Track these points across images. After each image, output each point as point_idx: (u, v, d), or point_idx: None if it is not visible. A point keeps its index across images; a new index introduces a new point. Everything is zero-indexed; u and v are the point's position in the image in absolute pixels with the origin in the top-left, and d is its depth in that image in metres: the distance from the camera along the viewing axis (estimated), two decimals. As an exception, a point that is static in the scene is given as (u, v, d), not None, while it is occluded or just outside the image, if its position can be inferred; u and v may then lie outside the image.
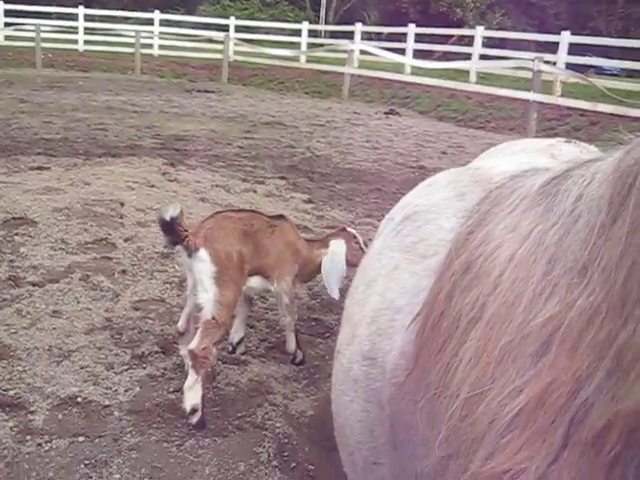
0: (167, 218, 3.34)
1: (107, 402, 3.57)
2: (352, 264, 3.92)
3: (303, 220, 6.91)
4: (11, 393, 3.54)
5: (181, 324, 3.66)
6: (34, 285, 4.81)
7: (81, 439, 3.28)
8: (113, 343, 4.14)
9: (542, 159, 2.54)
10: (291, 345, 4.08)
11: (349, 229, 4.33)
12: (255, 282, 3.81)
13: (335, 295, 3.99)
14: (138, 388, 3.70)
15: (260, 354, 4.19)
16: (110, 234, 5.88)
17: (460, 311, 1.80)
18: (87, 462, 3.13)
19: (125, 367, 3.89)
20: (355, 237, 4.19)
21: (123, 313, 4.53)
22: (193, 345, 3.39)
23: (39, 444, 3.19)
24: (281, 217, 4.06)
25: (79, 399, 3.56)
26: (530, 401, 1.47)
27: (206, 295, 3.43)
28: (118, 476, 3.08)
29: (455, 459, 1.61)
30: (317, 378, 3.97)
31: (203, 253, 3.45)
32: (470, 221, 2.05)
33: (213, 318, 3.41)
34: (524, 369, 1.53)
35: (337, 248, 4.06)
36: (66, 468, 3.06)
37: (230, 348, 4.11)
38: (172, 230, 3.40)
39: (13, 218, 6.02)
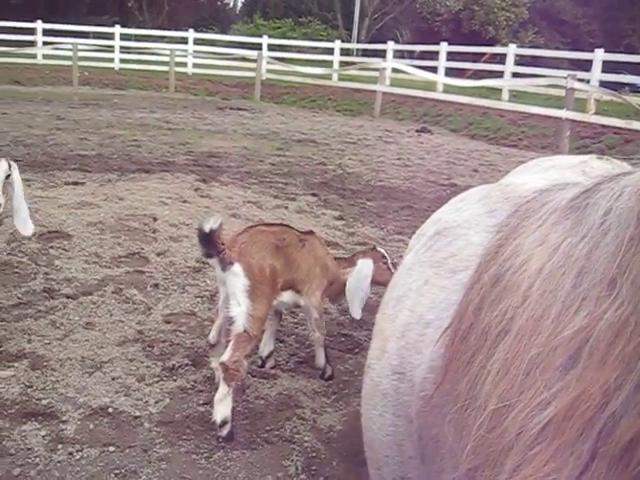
0: (206, 230, 3.38)
1: (138, 413, 3.61)
2: (380, 283, 4.04)
3: (334, 237, 6.94)
4: (44, 402, 3.59)
5: (212, 336, 3.68)
6: (68, 297, 4.89)
7: (111, 449, 3.31)
8: (144, 355, 4.19)
9: (573, 176, 2.53)
10: (320, 360, 4.10)
11: (378, 248, 4.36)
12: (287, 296, 3.84)
13: (356, 315, 4.05)
14: (168, 400, 3.74)
15: (289, 368, 4.20)
16: (143, 248, 5.96)
17: (489, 324, 1.81)
18: (117, 472, 3.16)
19: (156, 379, 3.93)
20: (384, 257, 4.21)
21: (155, 326, 4.58)
22: (225, 358, 3.41)
23: (70, 453, 3.23)
24: (311, 233, 4.10)
25: (110, 409, 3.60)
26: (558, 413, 1.47)
27: (239, 308, 3.47)
28: (147, 486, 3.11)
29: (482, 471, 1.61)
30: (346, 393, 3.97)
31: (237, 267, 3.49)
32: (500, 235, 2.06)
33: (245, 331, 3.44)
34: (552, 381, 1.52)
35: (363, 267, 4.07)
36: (96, 477, 3.10)
37: (260, 362, 4.14)
38: (210, 242, 3.44)
39: (48, 232, 6.13)
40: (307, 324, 4.24)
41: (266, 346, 4.12)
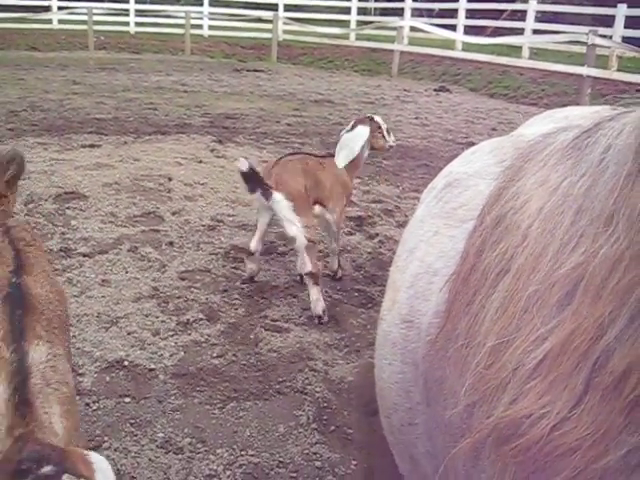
0: (245, 169, 4.01)
1: (153, 366, 3.67)
2: (374, 149, 4.96)
3: (349, 194, 6.92)
4: (61, 356, 3.66)
5: (254, 245, 4.42)
6: (84, 256, 4.95)
7: (127, 400, 3.39)
8: (159, 311, 4.25)
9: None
10: (334, 265, 4.93)
11: (376, 118, 5.02)
12: (317, 210, 4.51)
13: (340, 163, 4.64)
14: (182, 353, 3.80)
15: (302, 322, 4.24)
16: (158, 207, 6.00)
17: (489, 264, 1.81)
18: (132, 422, 3.23)
19: (170, 333, 3.99)
20: (380, 127, 4.95)
21: (170, 282, 4.63)
22: (308, 268, 4.18)
23: (87, 404, 3.30)
24: (329, 155, 4.78)
25: (126, 363, 3.67)
26: (554, 348, 1.48)
27: (295, 227, 4.15)
28: (162, 435, 3.17)
29: (480, 406, 1.63)
30: (358, 346, 4.00)
31: (278, 195, 4.17)
32: (503, 177, 2.06)
33: (309, 240, 4.12)
34: (549, 317, 1.53)
35: (360, 130, 4.74)
36: (112, 427, 3.17)
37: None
38: (252, 178, 4.08)
39: (65, 192, 6.18)
40: (326, 236, 5.04)
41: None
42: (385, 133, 4.95)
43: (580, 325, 1.44)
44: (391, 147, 5.06)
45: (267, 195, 4.15)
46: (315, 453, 3.13)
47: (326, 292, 4.62)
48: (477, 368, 1.67)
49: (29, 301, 2.12)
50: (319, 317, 4.22)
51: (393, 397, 2.71)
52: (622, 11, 17.48)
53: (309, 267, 4.17)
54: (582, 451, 1.37)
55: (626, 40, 17.00)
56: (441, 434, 2.03)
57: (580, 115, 2.83)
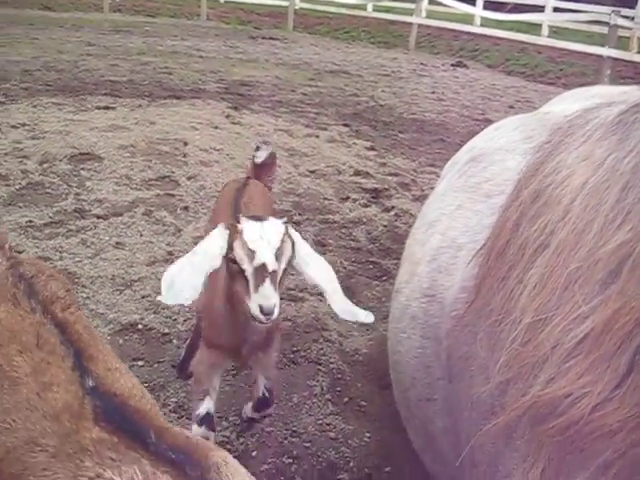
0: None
1: (166, 330, 3.65)
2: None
3: (365, 166, 6.87)
4: (75, 317, 3.64)
5: None
6: (99, 218, 4.92)
7: (140, 363, 3.37)
8: (174, 275, 4.21)
9: (615, 105, 2.43)
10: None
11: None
12: None
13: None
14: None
15: (317, 292, 4.20)
16: (173, 172, 5.95)
17: (527, 239, 1.76)
18: (145, 385, 3.18)
19: (185, 298, 3.96)
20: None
21: (184, 247, 4.60)
22: None
23: (101, 366, 3.29)
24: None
25: (139, 326, 3.65)
26: (596, 327, 1.44)
27: None
28: (175, 400, 3.17)
29: (514, 384, 1.60)
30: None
31: None
32: (540, 152, 2.00)
33: None
34: (591, 295, 1.49)
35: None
36: (126, 389, 3.15)
37: None
38: None
39: (80, 153, 6.13)
40: None
41: None
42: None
43: (626, 304, 1.40)
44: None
45: None
46: (329, 424, 3.12)
47: (340, 263, 4.58)
48: (512, 345, 1.63)
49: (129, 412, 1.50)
50: None
51: (411, 372, 2.67)
52: (645, -8, 17.20)
53: None
54: (624, 433, 1.34)
55: (648, 21, 16.74)
56: (466, 411, 1.99)
57: (609, 94, 2.76)
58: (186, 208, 5.25)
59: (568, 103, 3.03)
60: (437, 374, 2.36)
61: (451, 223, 2.52)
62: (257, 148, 3.51)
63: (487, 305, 1.83)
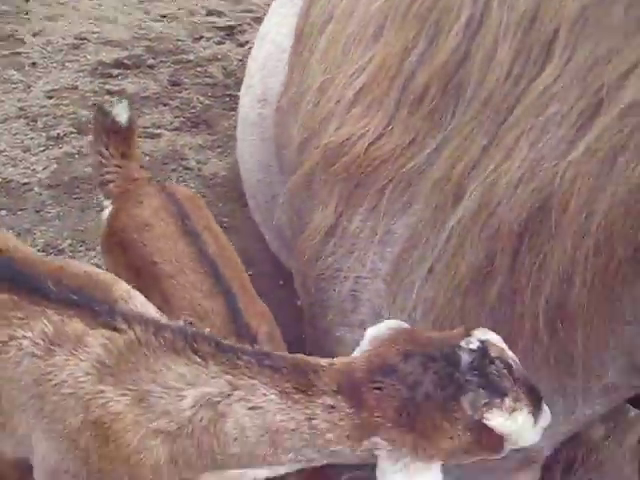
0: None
1: (26, 180, 3.69)
2: None
3: (218, 6, 6.74)
4: None
5: None
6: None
7: (3, 212, 3.44)
8: (28, 129, 4.18)
9: None
10: None
11: None
12: None
13: None
14: (55, 165, 3.82)
15: (175, 127, 4.29)
16: (17, 30, 5.69)
17: (316, 17, 1.92)
18: (12, 231, 3.28)
19: (41, 148, 3.98)
20: None
21: (36, 102, 4.52)
22: None
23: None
24: None
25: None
26: (369, 77, 1.64)
27: None
28: (42, 241, 3.27)
29: (310, 140, 1.81)
30: (230, 146, 4.10)
31: None
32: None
33: None
34: (365, 51, 1.68)
35: None
36: (-9, 237, 3.22)
37: None
38: None
39: None
40: None
41: None
42: None
43: (389, 53, 1.59)
44: None
45: None
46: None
47: (197, 99, 4.64)
48: (307, 107, 1.82)
49: None
50: None
51: (256, 174, 2.88)
52: None
53: None
54: (392, 161, 1.57)
55: None
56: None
57: None
58: (34, 64, 5.08)
59: None
60: (275, 170, 2.57)
61: (279, 30, 2.65)
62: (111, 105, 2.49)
63: (292, 84, 2.00)
